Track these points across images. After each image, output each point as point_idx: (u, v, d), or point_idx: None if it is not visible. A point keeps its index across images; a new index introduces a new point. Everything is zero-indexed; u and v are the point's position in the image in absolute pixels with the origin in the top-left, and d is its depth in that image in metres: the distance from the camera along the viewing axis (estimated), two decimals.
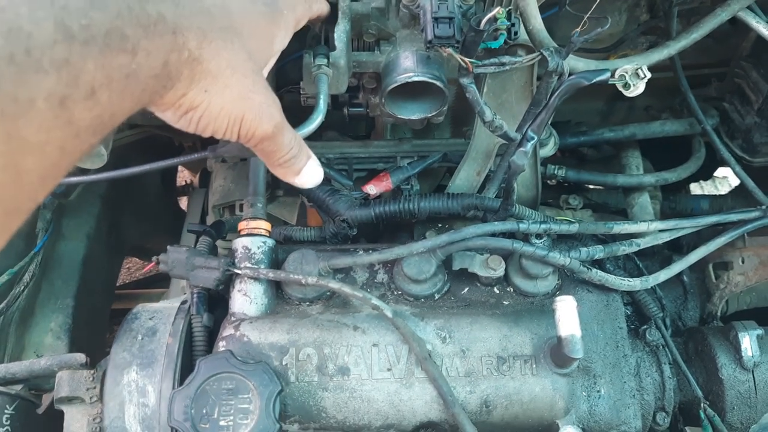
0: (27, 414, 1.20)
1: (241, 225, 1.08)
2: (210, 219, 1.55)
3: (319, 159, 1.25)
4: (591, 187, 1.53)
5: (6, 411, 1.16)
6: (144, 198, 1.96)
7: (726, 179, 3.50)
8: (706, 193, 3.38)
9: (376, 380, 0.96)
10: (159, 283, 2.31)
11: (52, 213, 1.54)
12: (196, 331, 1.03)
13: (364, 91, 1.16)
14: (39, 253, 1.48)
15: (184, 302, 1.07)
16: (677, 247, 1.40)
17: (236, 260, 1.04)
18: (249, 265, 1.03)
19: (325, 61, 0.95)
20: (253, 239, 1.06)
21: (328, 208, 1.19)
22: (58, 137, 0.47)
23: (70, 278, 1.60)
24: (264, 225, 1.08)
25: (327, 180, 1.23)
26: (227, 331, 0.99)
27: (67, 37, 0.46)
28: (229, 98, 0.64)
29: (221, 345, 0.98)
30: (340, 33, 0.98)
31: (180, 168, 2.30)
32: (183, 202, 2.49)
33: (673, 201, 1.62)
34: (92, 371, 1.17)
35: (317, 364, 0.97)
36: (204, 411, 0.87)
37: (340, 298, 1.05)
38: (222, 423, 0.87)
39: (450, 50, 0.92)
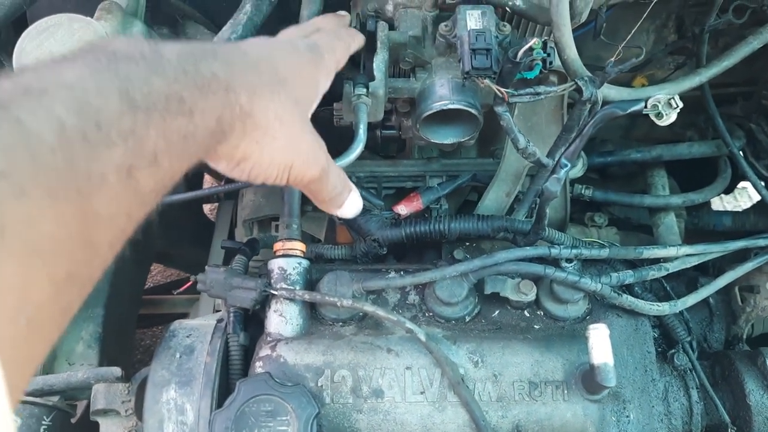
0: (63, 424, 1.23)
1: (277, 246, 1.10)
2: (239, 233, 1.58)
3: (350, 177, 1.28)
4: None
5: (44, 422, 1.19)
6: (169, 206, 1.98)
7: (745, 190, 3.49)
8: (726, 203, 3.37)
9: (409, 403, 0.98)
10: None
11: None
12: (232, 350, 1.05)
13: (398, 114, 1.18)
14: None
15: (220, 320, 1.10)
16: (703, 269, 1.40)
17: (272, 281, 1.06)
18: (285, 285, 1.05)
19: (365, 90, 0.97)
20: (288, 260, 1.08)
21: (360, 227, 1.21)
22: (126, 207, 0.48)
23: (100, 287, 1.63)
24: (299, 246, 1.10)
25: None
26: (264, 351, 1.02)
27: (132, 107, 0.47)
28: (278, 148, 0.66)
29: (258, 365, 1.00)
30: (379, 63, 1.00)
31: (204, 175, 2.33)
32: (205, 208, 2.52)
33: (696, 216, 1.63)
34: (127, 385, 1.20)
35: (352, 386, 0.99)
36: None
37: (373, 319, 1.07)
38: None
39: (487, 81, 0.94)
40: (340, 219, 1.26)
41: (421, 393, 0.98)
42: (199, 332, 1.09)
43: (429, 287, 1.08)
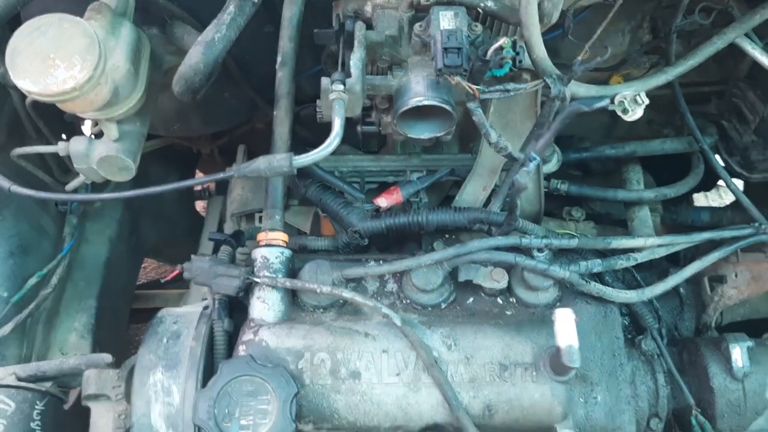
0: (56, 410, 1.27)
1: (260, 236, 1.15)
2: (228, 226, 1.63)
3: (333, 172, 1.33)
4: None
5: (36, 407, 1.23)
6: (162, 202, 2.04)
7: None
8: (711, 201, 3.42)
9: (385, 384, 1.03)
10: (175, 284, 2.38)
11: (78, 218, 1.62)
12: (217, 336, 1.09)
13: (377, 110, 1.23)
14: (66, 257, 1.56)
15: (206, 308, 1.14)
16: (675, 260, 1.45)
17: (255, 269, 1.11)
18: (267, 274, 1.10)
19: (342, 87, 1.02)
20: (271, 249, 1.12)
21: (342, 219, 1.26)
22: None
23: (93, 280, 1.67)
24: (282, 236, 1.15)
25: (340, 193, 1.30)
26: (247, 335, 1.06)
27: None
28: None
29: (241, 349, 1.05)
30: (356, 60, 1.05)
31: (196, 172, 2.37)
32: (198, 206, 2.56)
33: (674, 212, 1.68)
34: (117, 371, 1.25)
35: (331, 368, 1.04)
36: (226, 411, 0.95)
37: (352, 306, 1.12)
38: (243, 422, 0.94)
39: (458, 78, 0.99)
40: (323, 212, 1.30)
41: (397, 375, 1.03)
42: (185, 319, 1.13)
43: (406, 275, 1.13)
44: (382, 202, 1.27)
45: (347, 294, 1.06)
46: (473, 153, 1.42)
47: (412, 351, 1.05)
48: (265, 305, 1.09)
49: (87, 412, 1.28)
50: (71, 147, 1.14)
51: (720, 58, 1.50)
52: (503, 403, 1.03)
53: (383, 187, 1.39)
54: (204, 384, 1.04)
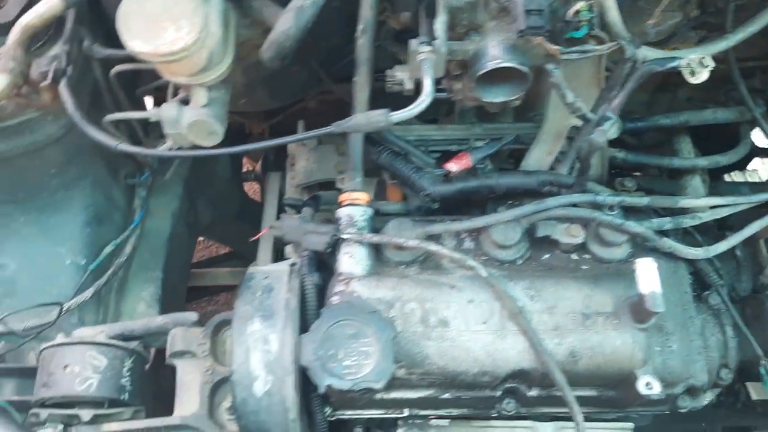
0: (140, 369, 1.33)
1: (344, 196, 1.20)
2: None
3: (401, 141, 1.38)
4: (636, 175, 1.63)
5: (125, 363, 1.29)
6: (217, 182, 2.09)
7: (756, 172, 3.58)
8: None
9: (473, 332, 1.08)
10: (226, 262, 2.46)
11: (147, 191, 1.68)
12: (308, 289, 1.15)
13: (449, 77, 1.28)
14: (137, 227, 1.61)
15: (292, 264, 1.19)
16: (722, 228, 1.50)
17: (341, 227, 1.17)
18: (354, 231, 1.16)
19: (429, 47, 1.07)
20: (355, 208, 1.18)
21: (414, 184, 1.31)
22: None
23: (158, 253, 1.72)
24: (364, 196, 1.21)
25: (408, 156, 1.35)
26: (338, 287, 1.12)
27: None
28: None
29: (334, 299, 1.10)
30: (440, 24, 1.10)
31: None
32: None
33: (714, 188, 1.72)
34: (202, 329, 1.30)
35: (420, 316, 1.09)
36: (330, 353, 1.00)
37: (432, 261, 1.18)
38: (346, 363, 0.99)
39: (540, 39, 1.04)
40: (394, 178, 1.35)
41: (484, 323, 1.08)
42: (274, 274, 1.19)
43: (484, 232, 1.18)
44: (453, 167, 1.32)
45: (434, 247, 1.11)
46: (533, 121, 1.48)
47: (496, 301, 1.10)
48: (353, 260, 1.14)
49: (161, 373, 1.35)
50: (163, 112, 1.20)
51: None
52: (586, 350, 1.08)
53: (446, 156, 1.44)
54: (301, 332, 1.09)
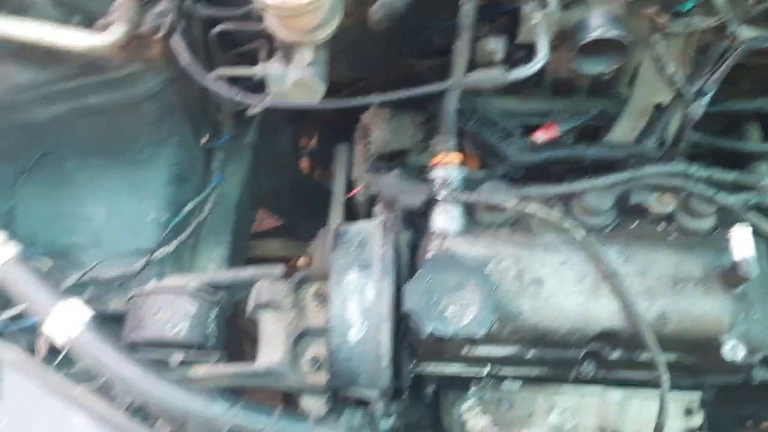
0: (223, 317, 1.38)
1: (437, 158, 1.24)
2: (360, 168, 1.72)
3: (489, 108, 1.42)
4: None
5: (212, 312, 1.33)
6: (279, 153, 2.13)
7: None
8: None
9: (567, 292, 1.11)
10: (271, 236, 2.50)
11: (225, 154, 1.72)
12: (401, 243, 1.19)
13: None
14: (216, 187, 1.66)
15: (383, 222, 1.23)
16: None
17: (436, 187, 1.20)
18: (448, 191, 1.19)
19: (542, 12, 1.10)
20: (450, 169, 1.21)
21: (500, 152, 1.34)
22: None
23: (228, 217, 1.76)
24: (457, 157, 1.24)
25: (495, 125, 1.38)
26: (433, 243, 1.15)
27: None
28: None
29: (429, 255, 1.14)
30: None
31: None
32: None
33: None
34: (287, 281, 1.34)
35: (515, 274, 1.12)
36: (432, 301, 1.03)
37: (524, 224, 1.21)
38: (448, 312, 1.03)
39: (653, 9, 1.07)
40: (481, 146, 1.39)
41: (577, 283, 1.12)
42: (366, 230, 1.22)
43: (575, 198, 1.21)
44: (540, 136, 1.35)
45: (531, 208, 1.14)
46: (612, 98, 1.51)
47: (589, 264, 1.13)
48: (447, 218, 1.18)
49: (235, 327, 1.38)
50: (269, 69, 1.23)
51: None
52: (676, 313, 1.11)
53: (526, 128, 1.47)
54: (396, 285, 1.13)
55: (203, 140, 1.67)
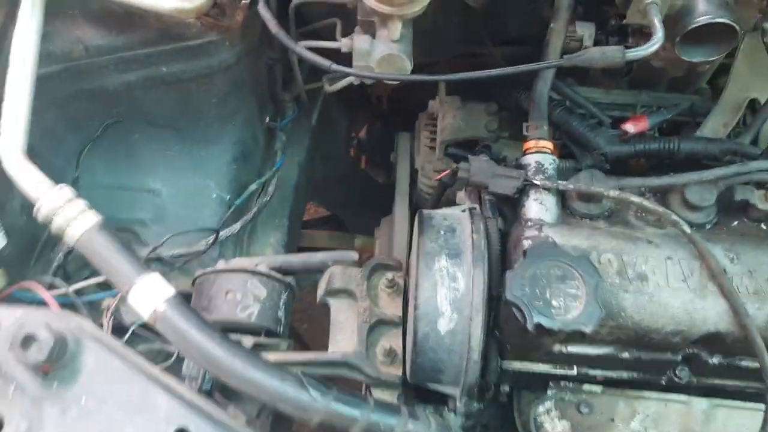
0: (292, 302, 1.32)
1: (529, 144, 1.18)
2: (425, 156, 1.66)
3: (580, 96, 1.36)
4: None
5: (282, 296, 1.27)
6: (333, 140, 2.08)
7: None
8: None
9: (672, 289, 1.05)
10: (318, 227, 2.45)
11: (287, 135, 1.67)
12: (491, 231, 1.13)
13: (634, 35, 1.25)
14: (278, 169, 1.60)
15: (472, 208, 1.17)
16: None
17: (529, 174, 1.14)
18: (543, 177, 1.13)
19: None
20: (544, 156, 1.16)
21: (589, 142, 1.28)
22: None
23: (286, 201, 1.71)
24: (549, 144, 1.18)
25: (584, 115, 1.32)
26: (529, 232, 1.09)
27: None
28: None
29: (526, 243, 1.08)
30: None
31: None
32: None
33: None
34: (361, 269, 1.29)
35: (617, 268, 1.06)
36: (537, 291, 0.97)
37: (619, 216, 1.15)
38: (554, 303, 0.97)
39: None
40: (567, 135, 1.33)
41: (683, 280, 1.05)
42: (453, 216, 1.17)
43: (674, 192, 1.15)
44: (630, 128, 1.29)
45: (636, 199, 1.08)
46: (698, 94, 1.45)
47: (695, 260, 1.06)
48: (542, 207, 1.12)
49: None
50: (355, 44, 1.18)
51: None
52: None
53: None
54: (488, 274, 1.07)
55: (267, 120, 1.63)
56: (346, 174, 2.27)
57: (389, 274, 1.27)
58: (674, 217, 1.06)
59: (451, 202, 1.30)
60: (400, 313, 1.24)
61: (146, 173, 1.43)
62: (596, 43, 1.32)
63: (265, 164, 1.64)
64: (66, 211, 0.95)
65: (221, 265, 1.28)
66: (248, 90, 1.46)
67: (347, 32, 1.38)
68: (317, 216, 2.65)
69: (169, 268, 1.37)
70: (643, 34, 1.25)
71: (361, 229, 2.49)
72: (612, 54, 1.02)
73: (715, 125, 1.33)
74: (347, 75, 1.16)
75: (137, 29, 1.21)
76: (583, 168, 1.29)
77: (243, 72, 1.38)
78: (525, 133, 1.20)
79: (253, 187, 1.52)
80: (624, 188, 1.14)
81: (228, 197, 1.49)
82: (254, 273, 1.26)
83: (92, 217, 0.97)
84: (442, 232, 1.12)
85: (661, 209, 1.07)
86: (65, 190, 0.98)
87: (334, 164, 2.14)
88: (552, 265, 0.99)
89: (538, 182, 1.12)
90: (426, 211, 1.19)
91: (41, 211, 0.96)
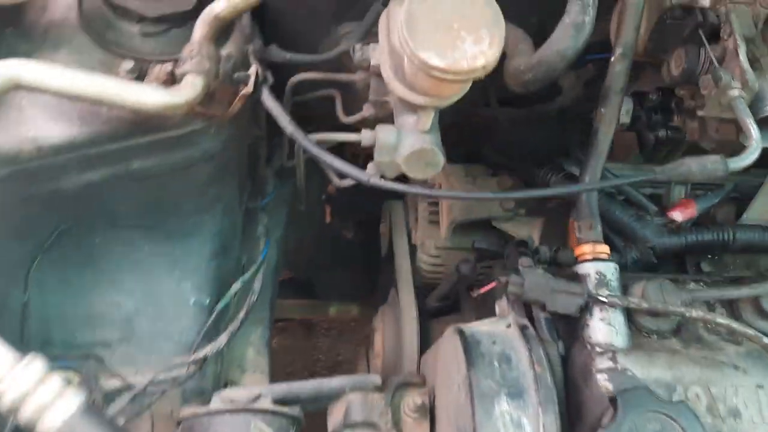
0: None
1: (585, 249, 1.02)
2: (422, 234, 1.49)
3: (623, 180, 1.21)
4: None
5: None
6: (307, 203, 1.86)
7: None
8: None
9: (767, 425, 0.91)
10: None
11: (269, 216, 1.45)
12: (554, 361, 0.96)
13: (687, 113, 1.12)
14: (264, 262, 1.38)
15: (524, 327, 1.00)
16: None
17: (590, 287, 0.98)
18: (607, 292, 0.97)
19: (739, 84, 0.90)
20: (606, 265, 1.00)
21: (634, 233, 1.14)
22: None
23: (266, 288, 1.48)
24: (606, 249, 1.02)
25: (628, 203, 1.18)
26: (603, 362, 0.93)
27: None
28: None
29: (601, 378, 0.91)
30: (744, 56, 0.93)
31: None
32: None
33: None
34: (383, 394, 1.09)
35: (707, 404, 0.91)
36: None
37: (691, 332, 1.00)
38: None
39: None
40: (608, 223, 1.18)
41: None
42: (503, 338, 0.99)
43: (746, 300, 1.02)
44: (677, 215, 1.16)
45: (723, 320, 0.93)
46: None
47: None
48: (611, 329, 0.96)
49: None
50: (379, 136, 0.98)
51: None
52: None
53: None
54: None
55: (245, 201, 1.40)
56: (315, 234, 2.05)
57: (416, 398, 1.09)
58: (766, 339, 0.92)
59: None
60: None
61: (110, 283, 1.17)
62: (634, 121, 1.18)
63: (243, 252, 1.41)
64: (39, 396, 0.71)
65: (216, 403, 1.05)
66: (230, 175, 1.23)
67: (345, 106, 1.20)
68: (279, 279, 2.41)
69: (142, 404, 1.12)
70: (687, 111, 1.12)
71: (332, 291, 2.28)
72: (712, 166, 0.87)
73: (765, 206, 1.21)
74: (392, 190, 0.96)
75: (105, 122, 0.97)
76: (628, 261, 1.15)
77: (226, 159, 1.16)
78: (577, 234, 1.03)
79: (236, 286, 1.29)
80: (696, 301, 0.99)
81: (207, 300, 1.26)
82: (257, 411, 1.04)
83: (73, 400, 0.73)
84: (496, 364, 0.94)
85: (752, 332, 0.93)
86: (35, 365, 0.74)
87: (307, 227, 1.92)
88: (649, 418, 0.83)
89: (604, 299, 0.96)
90: (468, 331, 1.00)
91: (3, 400, 0.71)
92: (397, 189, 0.93)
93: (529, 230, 1.38)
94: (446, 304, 1.48)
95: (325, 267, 2.16)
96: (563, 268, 1.15)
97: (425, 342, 1.43)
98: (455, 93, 0.89)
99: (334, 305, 2.09)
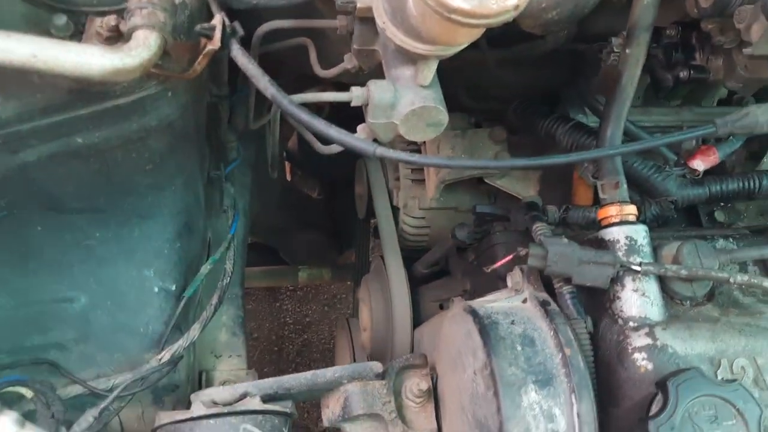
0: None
1: (610, 210, 0.90)
2: (405, 192, 1.36)
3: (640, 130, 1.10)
4: None
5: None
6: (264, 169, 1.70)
7: None
8: None
9: None
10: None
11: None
12: (582, 339, 0.85)
13: (713, 52, 1.00)
14: (234, 237, 1.22)
15: (545, 302, 0.88)
16: None
17: (621, 254, 0.87)
18: (639, 259, 0.86)
19: None
20: (635, 228, 0.89)
21: (654, 187, 1.03)
22: None
23: (236, 264, 1.33)
24: (634, 209, 0.91)
25: (647, 153, 1.07)
26: (640, 339, 0.82)
27: None
28: None
29: (639, 357, 0.81)
30: None
31: None
32: None
33: None
34: (383, 382, 0.98)
35: (753, 378, 0.82)
36: None
37: (727, 296, 0.91)
38: None
39: None
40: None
41: None
42: (521, 316, 0.87)
43: None
44: (699, 164, 1.05)
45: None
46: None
47: None
48: (646, 299, 0.85)
49: None
50: (373, 93, 0.83)
51: None
52: None
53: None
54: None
55: (208, 171, 1.24)
56: (279, 196, 1.89)
57: (419, 382, 0.98)
58: None
59: None
60: (435, 426, 0.97)
61: (58, 277, 1.01)
62: (649, 59, 1.05)
63: (208, 227, 1.25)
64: None
65: (198, 406, 0.91)
66: (190, 143, 1.06)
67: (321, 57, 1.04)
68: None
69: (109, 412, 0.98)
70: (714, 47, 1.00)
71: (298, 255, 2.14)
72: None
73: None
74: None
75: (38, 92, 0.79)
76: (648, 218, 1.04)
77: (186, 125, 0.99)
78: (601, 195, 0.91)
79: (206, 269, 1.14)
80: (735, 261, 0.90)
81: (174, 287, 1.10)
82: (245, 413, 0.91)
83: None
84: (518, 347, 0.83)
85: None
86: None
87: (270, 192, 1.76)
88: (702, 402, 0.73)
89: (638, 268, 0.85)
90: (482, 311, 0.88)
91: None
92: (409, 161, 0.79)
93: (526, 186, 1.26)
94: (434, 270, 1.37)
95: (290, 231, 2.01)
96: (575, 230, 1.05)
97: (416, 311, 1.32)
98: (469, 40, 0.74)
99: (303, 270, 1.95)
